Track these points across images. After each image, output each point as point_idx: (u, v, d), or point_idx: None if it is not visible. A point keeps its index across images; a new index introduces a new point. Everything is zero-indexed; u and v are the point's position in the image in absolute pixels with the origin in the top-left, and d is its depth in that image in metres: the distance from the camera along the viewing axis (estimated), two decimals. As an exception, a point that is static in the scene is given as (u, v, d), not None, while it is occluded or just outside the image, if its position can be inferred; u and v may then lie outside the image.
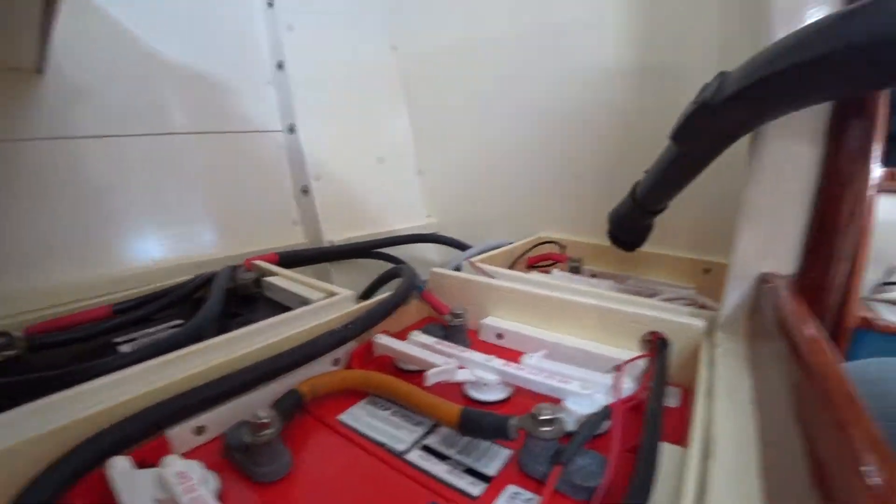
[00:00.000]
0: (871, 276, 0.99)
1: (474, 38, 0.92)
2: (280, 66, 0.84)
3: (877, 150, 0.41)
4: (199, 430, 0.35)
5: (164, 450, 0.32)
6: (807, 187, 0.42)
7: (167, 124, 0.72)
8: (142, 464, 0.30)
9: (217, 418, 0.36)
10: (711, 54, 0.66)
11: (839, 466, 0.17)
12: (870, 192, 0.42)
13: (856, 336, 0.64)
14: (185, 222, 0.73)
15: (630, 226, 0.67)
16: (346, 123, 0.93)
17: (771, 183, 0.42)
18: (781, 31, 0.37)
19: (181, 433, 0.34)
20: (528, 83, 0.87)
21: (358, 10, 0.95)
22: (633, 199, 0.61)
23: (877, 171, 0.42)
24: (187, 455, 0.33)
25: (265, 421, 0.31)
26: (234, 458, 0.33)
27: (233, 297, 0.58)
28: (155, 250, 0.70)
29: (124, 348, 0.48)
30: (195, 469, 0.29)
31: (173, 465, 0.28)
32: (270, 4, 0.82)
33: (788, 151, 0.41)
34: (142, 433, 0.31)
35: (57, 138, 0.62)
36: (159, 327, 0.52)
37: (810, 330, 0.28)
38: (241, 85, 0.82)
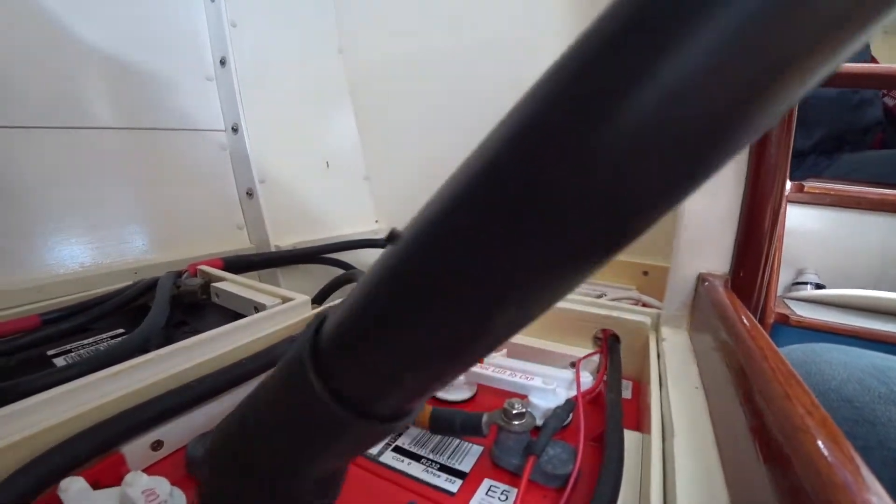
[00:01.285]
0: (783, 277, 1.10)
1: (421, 49, 0.93)
2: (223, 62, 0.80)
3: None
4: (157, 445, 0.33)
5: (120, 468, 0.30)
6: (735, 197, 0.47)
7: (93, 118, 0.67)
8: (95, 485, 0.28)
9: (175, 431, 0.34)
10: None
11: (785, 431, 0.20)
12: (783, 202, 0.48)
13: (774, 329, 0.72)
14: (117, 225, 0.68)
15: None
16: (291, 126, 0.90)
17: (705, 194, 0.47)
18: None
19: (137, 449, 0.32)
20: (474, 94, 0.89)
21: (304, 11, 0.93)
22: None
23: (787, 184, 0.48)
24: (146, 472, 0.31)
25: (233, 430, 0.29)
26: (198, 473, 0.31)
27: (178, 304, 0.55)
28: (84, 255, 0.64)
29: (59, 361, 0.44)
30: (163, 485, 0.27)
31: (138, 482, 0.26)
32: (213, -1, 0.79)
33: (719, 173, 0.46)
34: (95, 450, 0.29)
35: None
36: (98, 337, 0.48)
37: (750, 320, 0.32)
38: (179, 80, 0.77)
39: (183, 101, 0.78)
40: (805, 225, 1.12)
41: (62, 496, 0.25)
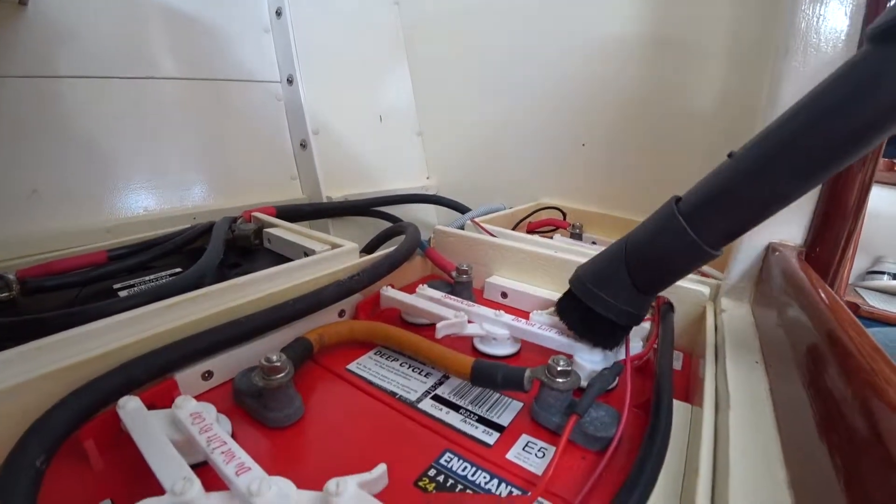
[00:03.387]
0: (856, 263, 1.01)
1: (480, 2, 0.88)
2: (279, 13, 0.80)
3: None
4: (207, 375, 0.34)
5: (173, 393, 0.32)
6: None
7: (155, 68, 0.69)
8: (151, 406, 0.29)
9: (224, 364, 0.35)
10: (721, 30, 0.66)
11: (870, 409, 0.17)
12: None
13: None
14: (177, 172, 0.71)
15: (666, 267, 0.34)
16: (346, 78, 0.89)
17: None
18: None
19: (189, 377, 0.33)
20: (537, 50, 0.84)
21: (360, -40, 0.91)
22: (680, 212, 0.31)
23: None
24: (196, 399, 0.32)
25: (277, 364, 0.30)
26: (244, 403, 0.32)
27: (231, 247, 0.57)
28: (148, 200, 0.67)
29: (123, 294, 0.46)
30: (209, 410, 0.28)
31: (187, 405, 0.27)
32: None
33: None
34: (151, 375, 0.30)
35: (38, 77, 0.58)
36: (158, 275, 0.51)
37: (828, 294, 0.29)
38: (237, 31, 0.78)
39: (240, 52, 0.78)
40: (889, 208, 1.01)
41: (120, 412, 0.27)
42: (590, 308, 0.35)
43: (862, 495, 0.16)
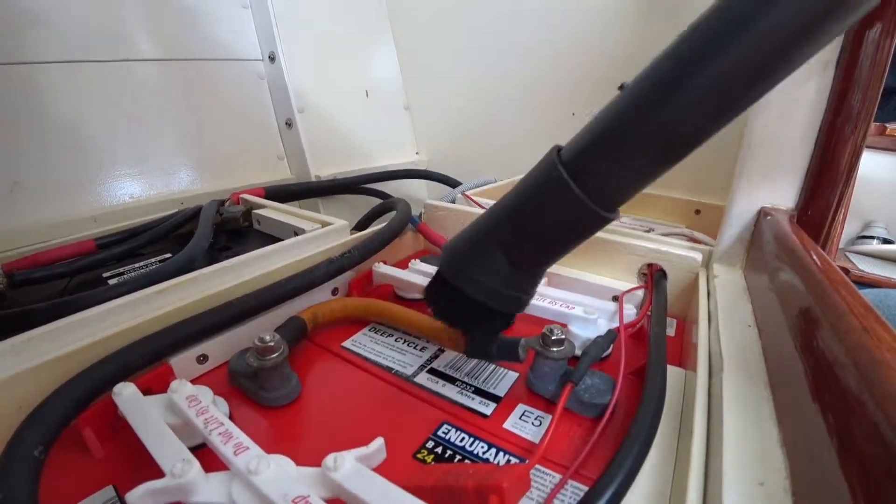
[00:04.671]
0: (846, 228, 1.02)
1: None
2: (257, -14, 0.77)
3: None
4: (203, 359, 0.34)
5: (168, 379, 0.32)
6: (813, 121, 0.41)
7: (132, 50, 0.66)
8: (146, 392, 0.29)
9: (219, 347, 0.35)
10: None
11: (862, 366, 0.18)
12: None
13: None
14: (162, 157, 0.69)
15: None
16: (329, 53, 0.87)
17: (778, 114, 0.42)
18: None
19: (184, 361, 0.33)
20: (524, 18, 0.83)
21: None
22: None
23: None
24: (192, 383, 0.32)
25: (271, 344, 0.30)
26: (240, 384, 0.32)
27: (221, 231, 0.57)
28: (133, 187, 0.66)
29: (113, 282, 0.46)
30: (205, 393, 0.28)
31: (182, 389, 0.27)
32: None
33: (797, 82, 0.41)
34: (146, 360, 0.30)
35: (10, 63, 0.56)
36: (147, 261, 0.50)
37: (820, 255, 0.29)
38: (213, 7, 0.75)
39: (218, 29, 0.76)
40: (879, 173, 1.01)
41: (116, 399, 0.27)
42: (461, 291, 0.26)
43: (853, 451, 0.16)
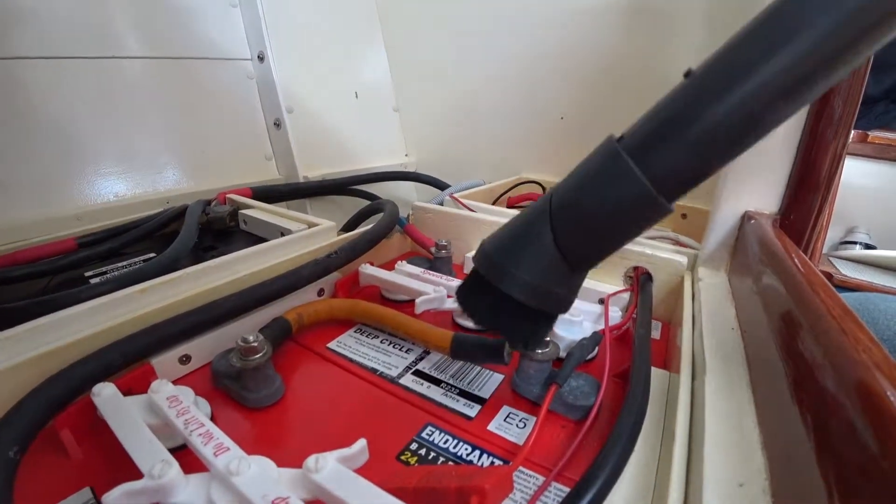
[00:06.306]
0: (829, 233, 1.04)
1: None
2: (247, -15, 0.77)
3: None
4: (185, 359, 0.34)
5: (150, 379, 0.31)
6: (794, 130, 0.42)
7: (119, 47, 0.65)
8: (127, 393, 0.29)
9: (202, 347, 0.35)
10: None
11: (840, 367, 0.18)
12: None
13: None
14: (149, 155, 0.68)
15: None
16: (319, 54, 0.87)
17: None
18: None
19: (166, 362, 0.33)
20: (513, 22, 0.83)
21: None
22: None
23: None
24: (175, 384, 0.32)
25: (254, 345, 0.30)
26: (223, 385, 0.32)
27: (207, 230, 0.56)
28: (118, 185, 0.65)
29: (95, 282, 0.45)
30: (186, 393, 0.28)
31: (163, 389, 0.27)
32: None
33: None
34: (126, 361, 0.30)
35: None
36: (131, 261, 0.50)
37: (801, 258, 0.29)
38: (202, 5, 0.74)
39: (207, 28, 0.75)
40: (861, 180, 1.03)
41: (95, 400, 0.27)
42: (502, 292, 0.24)
43: (830, 451, 0.16)
